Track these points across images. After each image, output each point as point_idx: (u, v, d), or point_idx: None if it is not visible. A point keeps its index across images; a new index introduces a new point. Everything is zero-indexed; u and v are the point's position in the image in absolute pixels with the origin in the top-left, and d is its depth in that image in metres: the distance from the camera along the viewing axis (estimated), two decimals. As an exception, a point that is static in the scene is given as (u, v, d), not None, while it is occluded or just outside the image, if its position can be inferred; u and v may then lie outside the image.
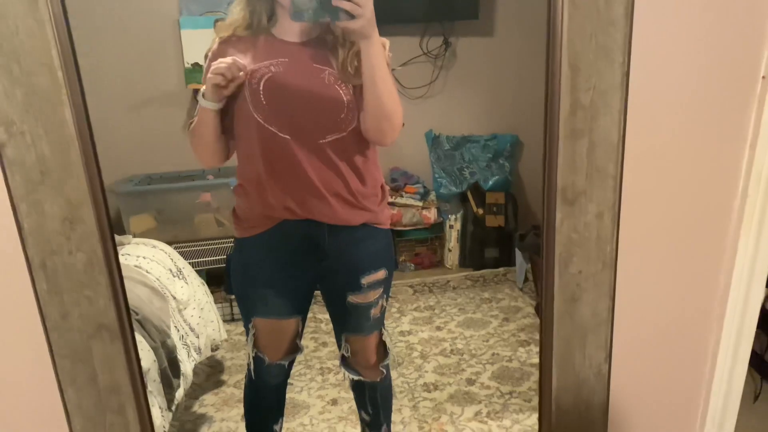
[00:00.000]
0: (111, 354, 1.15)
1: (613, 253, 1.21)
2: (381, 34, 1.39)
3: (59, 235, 1.08)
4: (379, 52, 1.37)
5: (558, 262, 1.21)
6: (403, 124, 1.50)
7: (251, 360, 1.70)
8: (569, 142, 1.12)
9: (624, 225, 1.20)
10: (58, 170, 1.06)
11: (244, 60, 1.43)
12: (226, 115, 1.50)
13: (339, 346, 1.75)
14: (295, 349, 1.71)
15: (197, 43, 3.20)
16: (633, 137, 1.15)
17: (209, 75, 1.39)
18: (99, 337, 1.14)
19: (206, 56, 1.51)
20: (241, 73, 1.41)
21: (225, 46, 1.47)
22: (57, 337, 1.12)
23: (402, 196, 3.51)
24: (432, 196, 3.58)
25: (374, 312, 1.65)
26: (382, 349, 1.74)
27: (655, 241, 1.26)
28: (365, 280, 1.59)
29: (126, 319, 1.13)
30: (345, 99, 1.42)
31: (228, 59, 1.40)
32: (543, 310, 1.25)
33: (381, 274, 1.61)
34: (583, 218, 1.18)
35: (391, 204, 3.46)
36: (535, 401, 2.33)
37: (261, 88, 1.41)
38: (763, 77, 1.16)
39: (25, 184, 1.06)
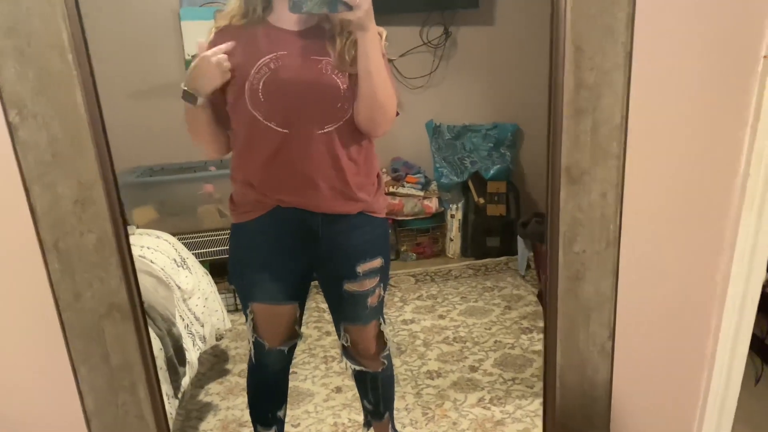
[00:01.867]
0: (122, 333, 1.16)
1: (617, 232, 1.22)
2: (381, 23, 1.40)
3: (71, 215, 1.10)
4: (375, 44, 1.38)
5: (562, 241, 1.23)
6: (398, 114, 1.51)
7: (251, 345, 1.71)
8: (573, 121, 1.14)
9: (627, 204, 1.22)
10: (70, 152, 1.07)
11: (242, 51, 1.44)
12: (221, 109, 1.50)
13: (339, 336, 1.76)
14: (294, 335, 1.72)
15: (197, 35, 3.19)
16: (636, 117, 1.16)
17: (207, 63, 1.40)
18: (111, 316, 1.15)
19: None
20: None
21: (222, 36, 1.47)
22: (70, 317, 1.14)
23: (403, 186, 3.52)
24: (433, 185, 3.59)
25: (371, 301, 1.65)
26: (382, 340, 1.75)
27: (658, 220, 1.28)
28: (361, 268, 1.60)
29: (137, 298, 1.15)
30: (342, 88, 1.43)
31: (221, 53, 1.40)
32: (548, 288, 1.27)
33: (377, 262, 1.62)
34: (587, 197, 1.19)
35: (392, 194, 3.47)
36: (538, 387, 2.35)
37: (260, 87, 1.41)
38: (765, 57, 1.17)
39: (37, 166, 1.08)
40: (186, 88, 1.46)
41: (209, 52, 1.41)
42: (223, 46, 1.41)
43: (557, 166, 1.17)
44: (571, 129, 1.14)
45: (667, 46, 1.15)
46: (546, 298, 1.32)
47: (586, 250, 1.24)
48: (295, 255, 1.60)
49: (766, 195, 1.27)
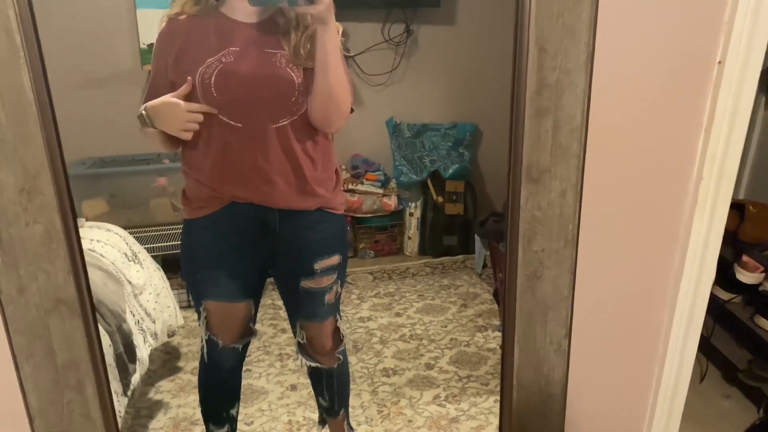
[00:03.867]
0: (70, 330, 1.11)
1: (575, 231, 1.24)
2: (343, 19, 1.39)
3: (16, 205, 1.04)
4: (334, 38, 1.37)
5: (522, 239, 1.23)
6: (352, 110, 1.50)
7: (204, 343, 1.68)
8: (535, 120, 1.14)
9: (586, 203, 1.23)
10: (15, 138, 1.02)
11: (193, 43, 1.41)
12: None
13: (294, 333, 1.74)
14: (248, 332, 1.70)
15: (153, 24, 3.11)
16: (596, 117, 1.18)
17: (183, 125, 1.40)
18: (57, 312, 1.10)
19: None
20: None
21: (174, 25, 1.45)
22: (12, 312, 1.08)
23: (362, 183, 3.51)
24: (392, 183, 3.59)
25: (328, 298, 1.64)
26: (338, 336, 1.74)
27: (615, 219, 1.30)
28: (318, 265, 1.58)
29: (86, 294, 1.10)
30: (296, 81, 1.41)
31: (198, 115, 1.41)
32: (506, 286, 1.28)
33: (335, 259, 1.61)
34: (546, 196, 1.20)
35: (351, 191, 3.45)
36: (492, 384, 2.38)
37: (212, 82, 1.39)
38: (719, 62, 1.21)
39: (-21, 152, 1.02)
40: (144, 113, 1.44)
41: (185, 106, 1.40)
42: (204, 108, 1.40)
43: (518, 165, 1.18)
44: (532, 128, 1.15)
45: (628, 49, 1.17)
46: (504, 295, 1.33)
47: (544, 248, 1.25)
48: (250, 252, 1.58)
49: (718, 198, 1.30)
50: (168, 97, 1.41)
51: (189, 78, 1.40)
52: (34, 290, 1.09)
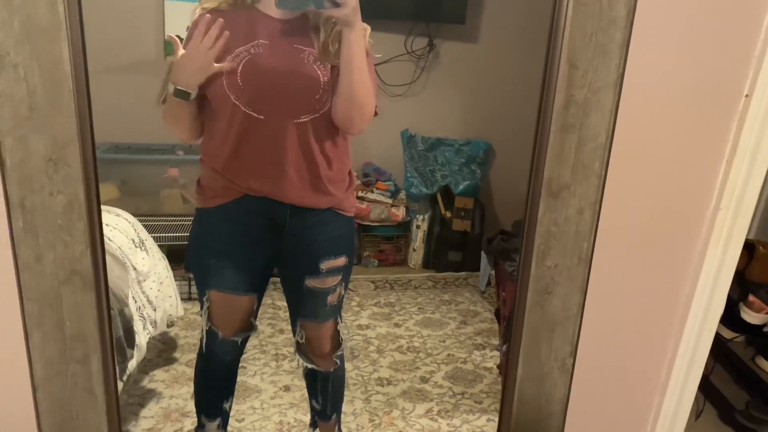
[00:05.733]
0: (81, 302, 1.11)
1: (590, 250, 1.24)
2: (367, 28, 1.40)
3: (42, 174, 1.05)
4: (359, 41, 1.38)
5: (535, 254, 1.24)
6: (376, 114, 1.50)
7: (204, 334, 1.67)
8: (559, 135, 1.15)
9: (603, 223, 1.24)
10: (48, 107, 1.03)
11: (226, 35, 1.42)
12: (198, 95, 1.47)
13: (294, 332, 1.73)
14: (249, 327, 1.70)
15: (180, 16, 3.14)
16: (620, 137, 1.18)
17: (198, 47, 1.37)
18: (71, 283, 1.10)
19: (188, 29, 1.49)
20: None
21: (206, 19, 1.43)
22: (27, 279, 1.09)
23: (372, 192, 3.51)
24: (402, 194, 3.60)
25: (331, 299, 1.64)
26: (337, 339, 1.74)
27: (630, 242, 1.30)
28: (324, 265, 1.59)
29: (102, 268, 1.10)
30: (322, 79, 1.42)
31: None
32: (516, 299, 1.28)
33: (341, 260, 1.61)
34: (564, 212, 1.21)
35: (361, 198, 3.45)
36: (486, 403, 2.37)
37: (239, 70, 1.40)
38: (746, 96, 1.22)
39: (12, 118, 1.03)
40: (178, 86, 1.42)
41: (202, 43, 1.38)
42: (212, 32, 1.38)
43: (539, 178, 1.18)
44: (556, 143, 1.16)
45: (658, 74, 1.18)
46: (510, 311, 1.33)
47: (557, 264, 1.25)
48: (259, 245, 1.58)
49: (733, 231, 1.30)
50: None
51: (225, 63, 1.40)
52: (51, 259, 1.10)
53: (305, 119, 1.44)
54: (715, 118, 1.23)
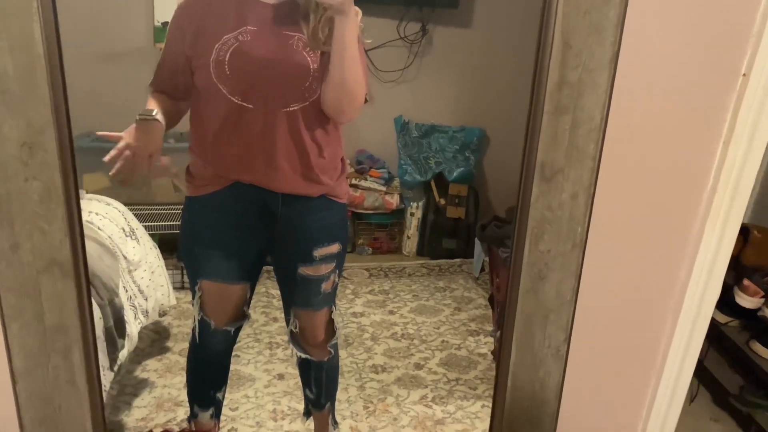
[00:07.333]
0: (61, 292, 1.08)
1: (584, 235, 1.22)
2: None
3: (16, 160, 1.02)
4: (353, 29, 1.35)
5: (529, 239, 1.21)
6: (366, 101, 1.48)
7: (196, 323, 1.65)
8: (553, 117, 1.12)
9: (597, 207, 1.21)
10: (21, 90, 0.99)
11: (210, 21, 1.39)
12: (186, 80, 1.46)
13: (287, 322, 1.72)
14: (241, 316, 1.68)
15: (169, 2, 3.09)
16: (615, 119, 1.16)
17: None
18: (50, 272, 1.07)
19: None
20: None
21: (193, 2, 1.44)
22: (4, 269, 1.05)
23: (366, 180, 3.49)
24: (396, 182, 3.58)
25: (325, 287, 1.62)
26: (331, 328, 1.72)
27: (625, 226, 1.28)
28: (317, 253, 1.57)
29: (81, 256, 1.07)
30: (311, 67, 1.39)
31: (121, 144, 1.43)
32: (509, 285, 1.25)
33: (334, 247, 1.59)
34: (558, 197, 1.18)
35: (354, 186, 3.43)
36: (481, 389, 2.36)
37: (227, 59, 1.37)
38: (744, 75, 1.19)
39: (-17, 102, 0.99)
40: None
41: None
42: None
43: (531, 162, 1.16)
44: (550, 125, 1.13)
45: (653, 53, 1.15)
46: (504, 296, 1.31)
47: (551, 249, 1.23)
48: (250, 234, 1.56)
49: (730, 212, 1.28)
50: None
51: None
52: (28, 248, 1.06)
53: (295, 107, 1.41)
54: (712, 97, 1.20)
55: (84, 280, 1.10)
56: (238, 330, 1.71)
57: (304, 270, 1.59)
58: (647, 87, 1.17)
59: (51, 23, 0.98)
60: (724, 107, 1.21)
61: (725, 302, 2.22)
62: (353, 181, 3.44)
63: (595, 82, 1.11)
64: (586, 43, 1.08)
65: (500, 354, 1.30)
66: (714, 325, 2.19)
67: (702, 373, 2.37)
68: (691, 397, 2.33)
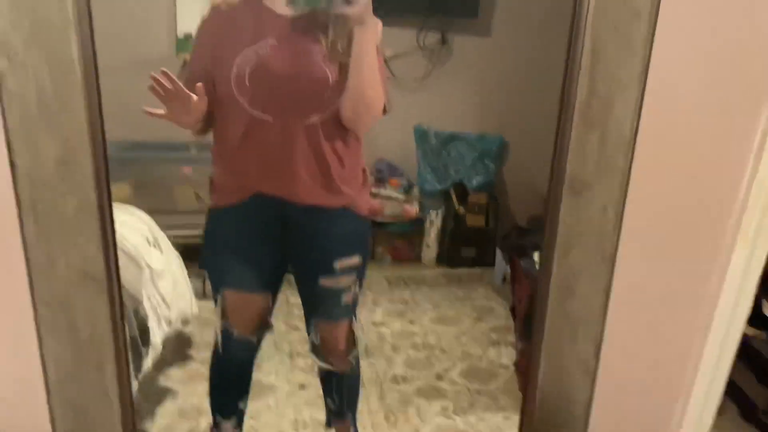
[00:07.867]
0: (95, 306, 1.10)
1: (613, 249, 1.21)
2: (378, 23, 1.38)
3: (53, 176, 1.03)
4: (371, 40, 1.36)
5: (557, 252, 1.21)
6: (386, 111, 1.48)
7: (219, 333, 1.66)
8: (582, 130, 1.12)
9: (627, 221, 1.20)
10: (58, 108, 1.01)
11: (231, 34, 1.41)
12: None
13: (308, 333, 1.72)
14: (264, 325, 1.69)
15: (192, 12, 3.13)
16: (645, 133, 1.15)
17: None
18: (84, 286, 1.09)
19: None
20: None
21: (216, 14, 1.46)
22: (40, 283, 1.07)
23: (385, 188, 3.50)
24: (415, 190, 3.57)
25: (346, 298, 1.63)
26: (352, 339, 1.72)
27: (655, 240, 1.26)
28: (338, 264, 1.57)
29: (114, 271, 1.09)
30: (330, 78, 1.40)
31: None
32: (537, 298, 1.25)
33: (355, 260, 1.59)
34: (587, 211, 1.17)
35: (373, 195, 3.44)
36: (502, 400, 2.34)
37: (246, 73, 1.39)
38: (775, 89, 1.17)
39: (21, 119, 1.01)
40: None
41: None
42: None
43: (561, 175, 1.15)
44: (579, 138, 1.12)
45: (684, 65, 1.15)
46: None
47: (580, 263, 1.22)
48: (271, 244, 1.57)
49: (761, 229, 1.26)
50: None
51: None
52: (63, 263, 1.08)
53: (314, 119, 1.43)
54: (743, 111, 1.19)
55: (117, 293, 1.12)
56: (260, 339, 1.72)
57: (325, 282, 1.59)
58: (677, 100, 1.16)
59: (88, 42, 1.00)
60: (755, 120, 1.19)
61: (754, 314, 2.18)
62: (372, 190, 3.44)
63: (625, 95, 1.10)
64: (616, 55, 1.08)
65: (528, 368, 1.30)
66: (742, 337, 2.15)
67: (728, 387, 2.33)
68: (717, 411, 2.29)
